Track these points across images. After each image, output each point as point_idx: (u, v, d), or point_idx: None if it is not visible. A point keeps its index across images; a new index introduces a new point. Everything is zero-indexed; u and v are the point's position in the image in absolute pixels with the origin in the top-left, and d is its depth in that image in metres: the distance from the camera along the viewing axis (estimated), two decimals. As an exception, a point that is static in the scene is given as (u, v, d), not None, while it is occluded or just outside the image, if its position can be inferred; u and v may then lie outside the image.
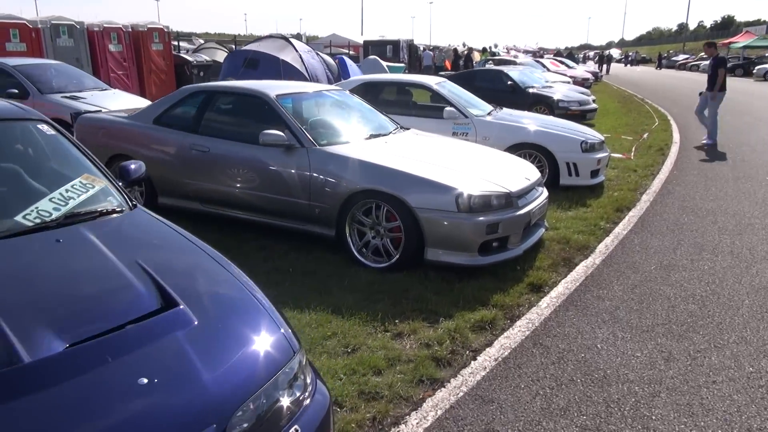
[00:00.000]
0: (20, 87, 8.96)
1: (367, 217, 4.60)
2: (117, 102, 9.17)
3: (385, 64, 25.28)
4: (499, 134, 7.24)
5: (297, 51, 16.51)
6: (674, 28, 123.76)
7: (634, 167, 8.71)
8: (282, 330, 2.05)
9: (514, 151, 7.08)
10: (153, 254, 2.34)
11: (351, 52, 32.84)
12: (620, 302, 4.06)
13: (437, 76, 9.83)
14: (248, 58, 16.26)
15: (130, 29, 15.32)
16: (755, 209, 6.51)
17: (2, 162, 2.79)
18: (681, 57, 62.46)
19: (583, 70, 28.50)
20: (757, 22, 65.13)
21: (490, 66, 20.95)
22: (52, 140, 2.98)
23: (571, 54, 45.12)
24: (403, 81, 8.44)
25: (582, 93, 15.16)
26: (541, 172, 7.10)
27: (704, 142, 11.12)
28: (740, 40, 48.53)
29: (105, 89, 10.05)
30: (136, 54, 15.50)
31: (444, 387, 3.04)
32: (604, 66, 41.36)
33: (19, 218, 2.39)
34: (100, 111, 7.39)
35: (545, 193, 5.18)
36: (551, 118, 8.79)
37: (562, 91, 14.34)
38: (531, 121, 7.51)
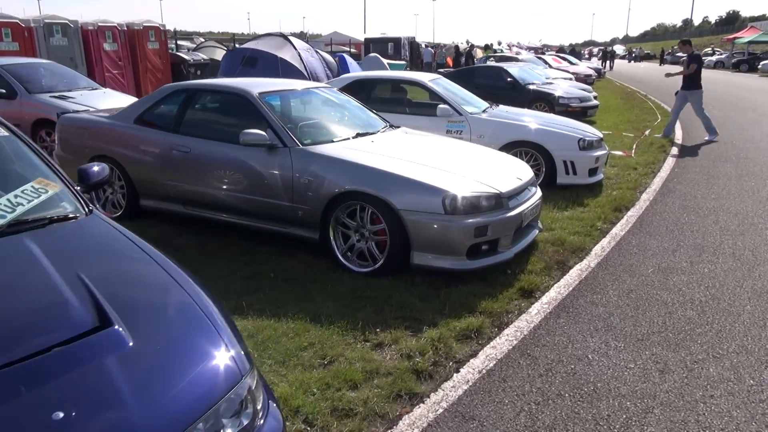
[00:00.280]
0: (8, 87, 8.81)
1: (351, 219, 4.42)
2: (107, 101, 9.00)
3: (386, 61, 25.12)
4: (494, 132, 7.03)
5: (296, 49, 16.34)
6: (679, 23, 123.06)
7: (635, 165, 8.50)
8: (231, 351, 1.86)
9: (509, 150, 6.89)
10: (98, 266, 2.16)
11: (352, 50, 32.68)
12: (614, 308, 3.86)
13: (433, 73, 9.61)
14: (246, 57, 16.10)
15: (126, 28, 15.16)
16: (758, 208, 6.29)
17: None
18: (685, 53, 61.93)
19: (585, 67, 28.19)
20: (763, 17, 64.59)
21: (491, 63, 20.73)
22: (4, 142, 2.80)
23: (573, 50, 44.81)
24: (396, 78, 8.25)
25: (583, 90, 14.93)
26: (538, 170, 6.93)
27: (707, 138, 10.97)
28: (745, 36, 48.00)
29: (95, 88, 9.89)
30: (131, 53, 15.35)
31: (423, 402, 2.85)
32: (607, 62, 41.02)
33: (-43, 227, 2.22)
34: (87, 110, 7.24)
35: (539, 193, 4.98)
36: (549, 115, 8.57)
37: (562, 87, 14.12)
38: (527, 119, 7.31)
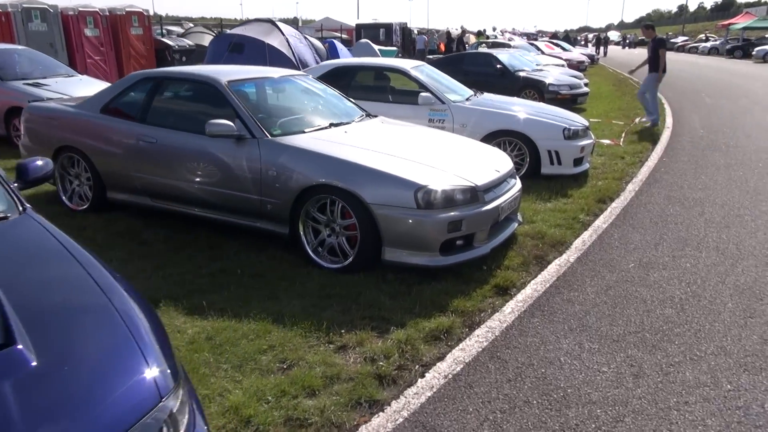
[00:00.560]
0: (-20, 74, 8.55)
1: (322, 213, 4.25)
2: (83, 89, 8.73)
3: (377, 47, 24.81)
4: (477, 121, 6.85)
5: (284, 35, 16.04)
6: (674, 9, 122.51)
7: (623, 154, 8.34)
8: (153, 369, 1.70)
9: (493, 139, 6.73)
10: (17, 273, 1.99)
11: (344, 36, 32.29)
12: (591, 306, 3.71)
13: (417, 60, 9.39)
14: (233, 43, 15.80)
15: (108, 13, 14.82)
16: (745, 199, 6.15)
17: None
18: (680, 39, 61.69)
19: (578, 53, 27.97)
20: (758, 3, 64.23)
21: (483, 49, 20.46)
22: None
23: (567, 36, 44.48)
24: (377, 65, 8.03)
25: (574, 76, 14.74)
26: (522, 160, 6.77)
27: (645, 120, 11.00)
28: (740, 21, 47.80)
29: (72, 75, 9.64)
30: (114, 39, 15.03)
31: (383, 411, 2.70)
32: (601, 48, 40.72)
33: None
34: (61, 98, 7.01)
35: (518, 185, 4.82)
36: (534, 103, 8.38)
37: (553, 74, 13.92)
38: (511, 107, 7.12)
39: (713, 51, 45.98)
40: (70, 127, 5.45)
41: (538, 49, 24.79)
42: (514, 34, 54.47)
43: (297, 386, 2.83)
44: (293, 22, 47.67)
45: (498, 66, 13.43)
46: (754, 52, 36.82)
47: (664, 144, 9.31)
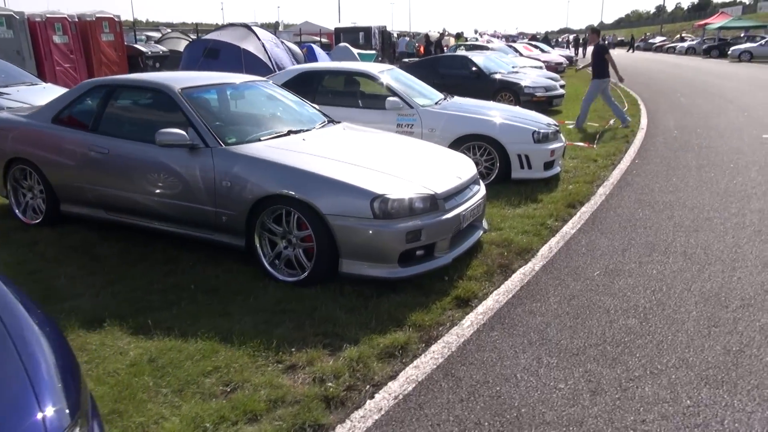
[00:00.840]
0: (-63, 83, 8.30)
1: (278, 225, 4.10)
2: (48, 97, 8.47)
3: (356, 51, 24.70)
4: (446, 125, 6.74)
5: (260, 40, 15.90)
6: (652, 10, 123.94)
7: (595, 157, 8.28)
8: (45, 408, 1.54)
9: (462, 143, 6.63)
10: None
11: (323, 40, 32.15)
12: (553, 318, 3.60)
13: (388, 64, 9.28)
14: (208, 48, 15.63)
15: (77, 19, 14.55)
16: (715, 201, 6.10)
17: None
18: (658, 39, 62.36)
19: (557, 55, 28.06)
20: (733, 3, 65.22)
21: (461, 52, 20.42)
22: None
23: (546, 38, 44.70)
24: (345, 70, 7.89)
25: (550, 78, 14.72)
26: (492, 165, 6.67)
27: (569, 122, 11.10)
28: (715, 21, 48.37)
29: (34, 83, 9.39)
30: (84, 45, 14.76)
31: (327, 437, 2.56)
32: (580, 50, 40.96)
33: None
34: (20, 108, 6.79)
35: (482, 191, 4.71)
36: (505, 106, 8.30)
37: (529, 76, 13.89)
38: (481, 111, 7.02)
39: (690, 51, 46.48)
40: (21, 138, 5.25)
41: (516, 51, 24.83)
42: (494, 36, 54.64)
43: (238, 411, 2.68)
44: (274, 27, 47.53)
45: (473, 69, 13.37)
46: (729, 52, 37.24)
47: (637, 146, 9.28)
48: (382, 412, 2.71)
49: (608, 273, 4.28)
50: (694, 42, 48.60)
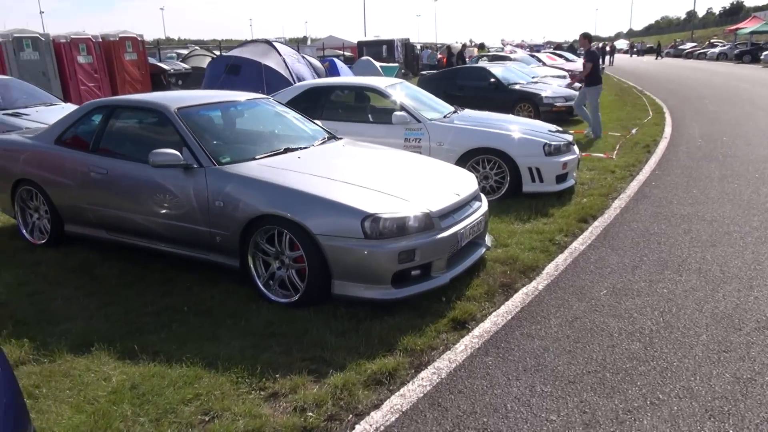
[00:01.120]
0: (-40, 106, 8.51)
1: (270, 245, 4.02)
2: (65, 117, 8.67)
3: (378, 65, 24.73)
4: (454, 139, 6.61)
5: (281, 55, 16.03)
6: (683, 16, 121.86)
7: (613, 168, 8.03)
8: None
9: (471, 157, 6.49)
10: None
11: (347, 54, 32.34)
12: (552, 341, 3.43)
13: (400, 77, 9.20)
14: (230, 65, 15.81)
15: (101, 39, 14.87)
16: (737, 213, 5.82)
17: None
18: (688, 45, 61.11)
19: (582, 63, 27.65)
20: (766, 7, 63.57)
21: (482, 63, 20.27)
22: None
23: (572, 47, 44.18)
24: (351, 85, 7.83)
25: (570, 88, 14.44)
26: (502, 178, 6.51)
27: (586, 132, 10.75)
28: (748, 26, 47.19)
29: (54, 104, 9.57)
30: (108, 65, 15.07)
31: (300, 472, 2.44)
32: (607, 57, 40.36)
33: None
34: (37, 128, 6.90)
35: (484, 207, 4.56)
36: (516, 118, 8.13)
37: (549, 87, 13.65)
38: (491, 124, 6.87)
39: (722, 56, 45.40)
40: (26, 160, 5.30)
41: (540, 60, 24.55)
42: (520, 46, 54.28)
43: (212, 443, 2.59)
44: (301, 41, 48.05)
45: (492, 80, 13.21)
46: (762, 57, 36.24)
47: (659, 156, 8.99)
48: (360, 446, 2.58)
49: (615, 292, 4.08)
50: (725, 47, 47.48)
